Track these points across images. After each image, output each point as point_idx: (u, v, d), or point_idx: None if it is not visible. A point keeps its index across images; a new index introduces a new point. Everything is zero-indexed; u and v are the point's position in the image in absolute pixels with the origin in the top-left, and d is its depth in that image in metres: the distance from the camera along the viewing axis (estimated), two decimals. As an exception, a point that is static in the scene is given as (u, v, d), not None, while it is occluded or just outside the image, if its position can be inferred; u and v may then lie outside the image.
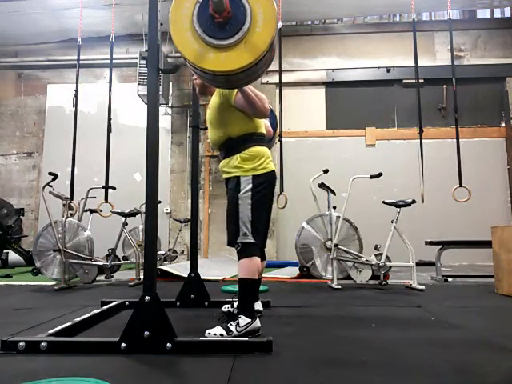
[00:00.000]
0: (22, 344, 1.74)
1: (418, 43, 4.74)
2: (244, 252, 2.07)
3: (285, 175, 5.05)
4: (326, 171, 4.57)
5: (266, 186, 2.17)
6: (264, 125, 2.33)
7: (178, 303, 2.79)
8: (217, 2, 1.67)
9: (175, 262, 5.96)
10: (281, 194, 4.84)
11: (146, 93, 1.97)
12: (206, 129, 2.40)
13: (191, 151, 3.14)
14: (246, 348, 1.75)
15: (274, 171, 2.24)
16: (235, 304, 2.38)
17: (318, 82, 7.45)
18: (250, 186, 2.11)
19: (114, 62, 5.37)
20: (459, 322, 2.33)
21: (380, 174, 3.95)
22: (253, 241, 2.07)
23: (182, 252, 6.74)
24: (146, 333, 1.71)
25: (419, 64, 4.82)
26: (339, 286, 3.73)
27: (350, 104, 7.37)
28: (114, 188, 5.01)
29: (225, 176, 2.27)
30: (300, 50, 7.46)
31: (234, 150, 2.18)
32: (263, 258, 2.27)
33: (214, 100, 2.27)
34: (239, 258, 2.10)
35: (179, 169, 7.39)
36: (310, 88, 7.46)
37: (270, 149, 2.33)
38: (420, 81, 4.98)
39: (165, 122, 7.39)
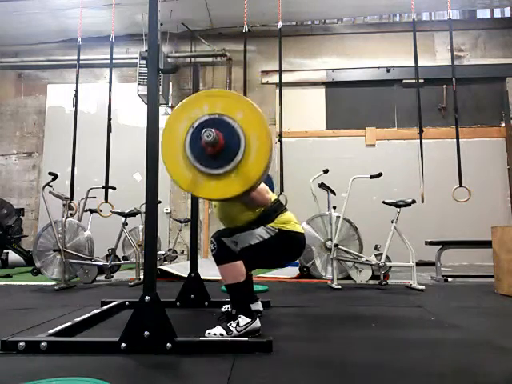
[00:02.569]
0: (22, 344, 1.74)
1: (418, 43, 4.74)
2: (222, 257, 1.98)
3: (285, 175, 5.05)
4: (326, 171, 4.56)
5: (288, 243, 2.10)
6: (269, 191, 2.21)
7: (178, 303, 2.79)
8: (209, 142, 1.66)
9: (175, 262, 5.96)
10: (281, 193, 4.84)
11: (146, 93, 1.97)
12: None
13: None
14: (246, 348, 1.75)
15: (303, 233, 2.17)
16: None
17: (318, 82, 7.45)
18: (274, 233, 2.06)
19: (114, 62, 5.36)
20: (459, 322, 2.33)
21: (380, 174, 3.95)
22: (236, 252, 1.98)
23: (182, 252, 6.74)
24: (146, 333, 1.71)
25: (419, 64, 4.82)
26: (339, 286, 3.73)
27: (350, 104, 7.36)
28: (114, 188, 5.00)
29: None
30: (300, 50, 7.46)
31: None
32: None
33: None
34: (217, 264, 2.00)
35: (179, 169, 7.37)
36: (310, 88, 7.46)
37: None
38: (420, 81, 4.97)
39: (165, 122, 7.37)
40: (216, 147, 1.69)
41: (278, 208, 2.17)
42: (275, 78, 5.88)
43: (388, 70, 7.28)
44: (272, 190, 2.48)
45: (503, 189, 6.99)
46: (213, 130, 1.65)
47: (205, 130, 1.66)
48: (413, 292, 3.56)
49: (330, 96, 7.43)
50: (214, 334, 1.90)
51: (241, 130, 1.71)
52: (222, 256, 1.99)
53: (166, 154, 1.78)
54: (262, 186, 2.09)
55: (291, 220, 2.16)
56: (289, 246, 2.14)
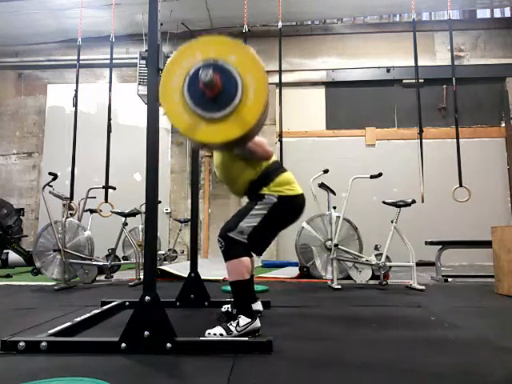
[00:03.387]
0: (22, 344, 1.74)
1: (418, 43, 4.74)
2: (230, 252, 2.00)
3: (285, 175, 5.04)
4: (326, 171, 4.56)
5: (288, 209, 2.14)
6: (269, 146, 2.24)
7: (177, 303, 2.79)
8: (207, 82, 1.65)
9: (175, 262, 5.96)
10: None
11: (145, 93, 1.97)
12: None
13: (191, 151, 3.13)
14: (246, 348, 1.75)
15: (302, 194, 2.19)
16: (235, 304, 2.37)
17: (318, 82, 7.45)
18: (273, 203, 2.07)
19: (114, 61, 5.37)
20: (459, 321, 2.33)
21: (380, 174, 3.95)
22: (245, 241, 2.01)
23: (182, 252, 6.74)
24: (146, 333, 1.71)
25: (419, 64, 4.82)
26: (339, 286, 3.73)
27: (350, 104, 7.37)
28: (114, 188, 5.01)
29: None
30: (300, 49, 7.46)
31: (260, 190, 2.12)
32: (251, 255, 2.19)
33: (217, 157, 2.25)
34: (225, 260, 2.02)
35: (179, 169, 7.38)
36: (310, 88, 7.46)
37: None
38: (420, 81, 4.98)
39: (165, 122, 7.35)
40: (214, 90, 1.68)
41: (277, 168, 2.19)
42: (275, 78, 5.85)
43: (388, 70, 7.28)
44: None
45: (503, 189, 6.99)
46: (210, 70, 1.64)
47: (201, 69, 1.66)
48: (413, 292, 3.56)
49: (330, 96, 7.44)
50: (214, 334, 1.90)
51: (237, 73, 1.70)
52: (230, 251, 2.01)
53: (166, 105, 1.76)
54: (262, 139, 2.11)
55: (290, 181, 2.17)
56: (289, 212, 2.18)
